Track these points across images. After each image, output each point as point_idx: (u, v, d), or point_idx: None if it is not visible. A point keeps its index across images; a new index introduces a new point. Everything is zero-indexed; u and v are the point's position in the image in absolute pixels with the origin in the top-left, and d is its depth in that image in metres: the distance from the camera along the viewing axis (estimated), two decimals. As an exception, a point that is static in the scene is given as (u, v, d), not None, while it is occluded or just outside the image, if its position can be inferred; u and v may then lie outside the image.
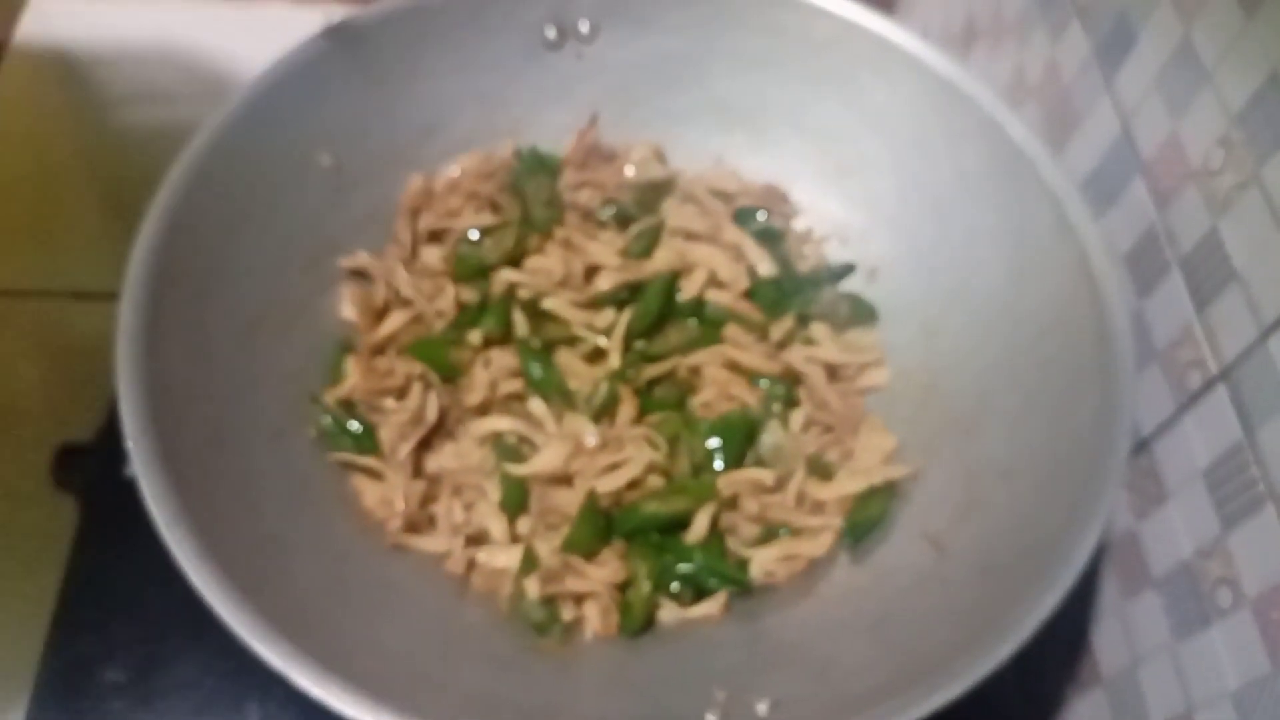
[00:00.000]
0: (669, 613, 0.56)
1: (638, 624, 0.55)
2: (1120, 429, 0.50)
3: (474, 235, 0.65)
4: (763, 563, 0.57)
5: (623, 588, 0.56)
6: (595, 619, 0.55)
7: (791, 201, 0.69)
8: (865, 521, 0.58)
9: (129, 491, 0.46)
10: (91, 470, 0.62)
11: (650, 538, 0.57)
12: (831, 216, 0.68)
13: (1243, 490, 0.47)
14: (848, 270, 0.67)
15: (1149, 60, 0.56)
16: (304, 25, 0.59)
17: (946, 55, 0.61)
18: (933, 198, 0.63)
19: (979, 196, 0.61)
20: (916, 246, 0.65)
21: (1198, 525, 0.50)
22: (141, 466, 0.46)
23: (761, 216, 0.67)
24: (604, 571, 0.55)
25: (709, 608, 0.56)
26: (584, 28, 0.66)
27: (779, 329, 0.63)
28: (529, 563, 0.56)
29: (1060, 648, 0.61)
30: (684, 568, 0.56)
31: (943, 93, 0.61)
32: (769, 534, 0.58)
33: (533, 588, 0.55)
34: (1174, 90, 0.54)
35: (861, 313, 0.65)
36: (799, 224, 0.69)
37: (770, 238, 0.67)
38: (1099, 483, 0.49)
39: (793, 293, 0.65)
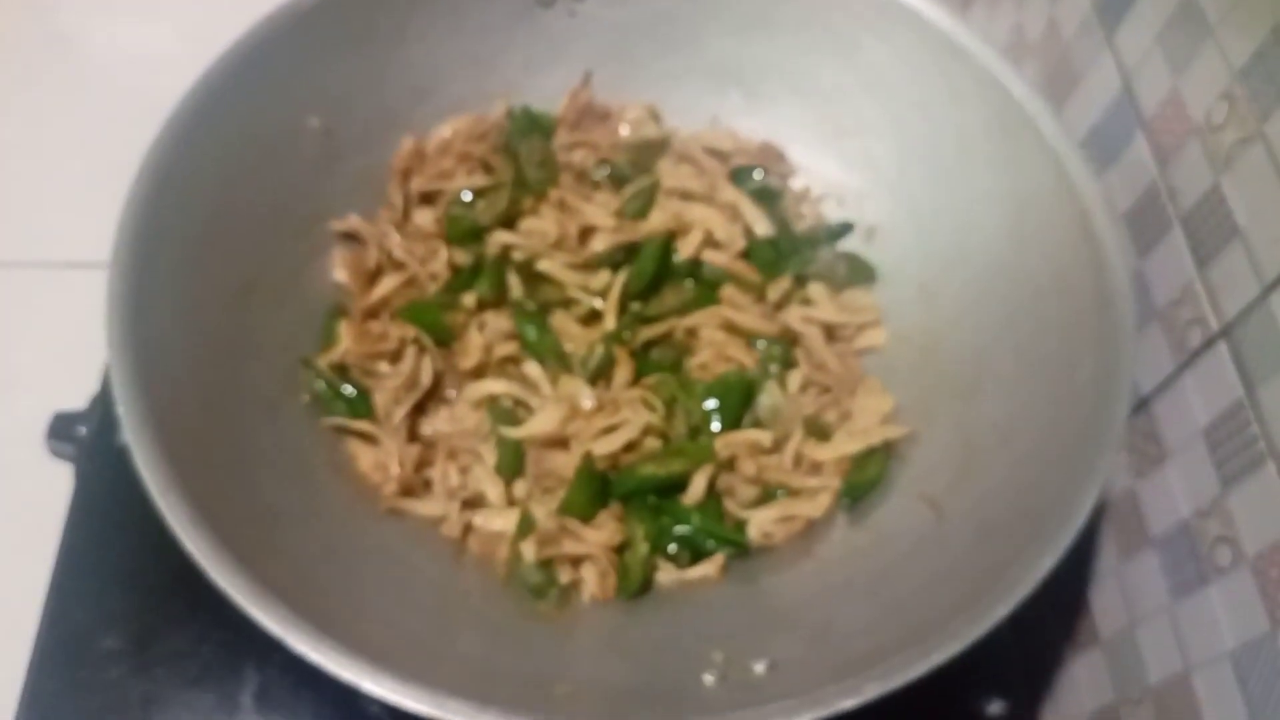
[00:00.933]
0: (666, 575, 0.56)
1: (635, 586, 0.55)
2: (1120, 390, 0.49)
3: (467, 197, 0.64)
4: (760, 524, 0.57)
5: (620, 550, 0.56)
6: (592, 582, 0.55)
7: (788, 160, 0.68)
8: (863, 483, 0.57)
9: (123, 459, 0.46)
10: (86, 438, 0.62)
11: (647, 500, 0.57)
12: (829, 176, 0.67)
13: (1243, 449, 0.47)
14: (845, 230, 0.66)
15: (1150, 16, 0.55)
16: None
17: (946, 12, 0.60)
18: (932, 157, 0.63)
19: (978, 155, 0.60)
20: (915, 206, 0.64)
21: (1197, 484, 0.50)
22: (132, 432, 0.46)
23: (758, 175, 0.67)
24: (601, 534, 0.55)
25: (706, 569, 0.56)
26: (576, -16, 0.65)
27: (776, 289, 0.63)
28: (526, 526, 0.55)
29: (1058, 608, 0.61)
30: (681, 529, 0.56)
31: (942, 50, 0.60)
32: (767, 495, 0.58)
33: (529, 551, 0.55)
34: (1176, 46, 0.53)
35: (859, 273, 0.64)
36: (796, 183, 0.68)
37: (767, 197, 0.66)
38: (1098, 444, 0.48)
39: (790, 253, 0.64)
